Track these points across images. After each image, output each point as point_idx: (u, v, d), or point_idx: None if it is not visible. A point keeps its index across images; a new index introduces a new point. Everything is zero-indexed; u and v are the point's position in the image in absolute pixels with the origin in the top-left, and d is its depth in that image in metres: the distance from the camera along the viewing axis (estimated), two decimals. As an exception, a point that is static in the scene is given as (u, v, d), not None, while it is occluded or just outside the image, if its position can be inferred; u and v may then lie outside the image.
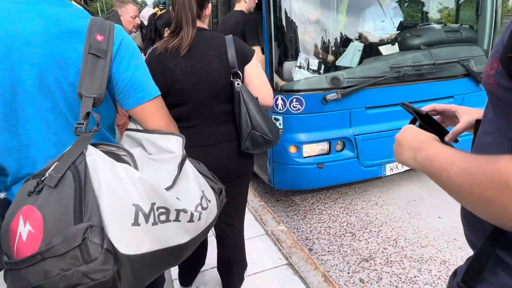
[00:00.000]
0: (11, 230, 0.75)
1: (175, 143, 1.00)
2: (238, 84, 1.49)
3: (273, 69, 2.83)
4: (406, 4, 3.97)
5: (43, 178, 0.76)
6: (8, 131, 0.91)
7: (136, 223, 0.80)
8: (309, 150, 2.91)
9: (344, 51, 3.10)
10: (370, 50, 3.23)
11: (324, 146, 2.95)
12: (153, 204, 0.83)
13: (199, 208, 0.97)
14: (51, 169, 0.78)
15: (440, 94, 3.22)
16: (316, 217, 3.08)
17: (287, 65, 2.81)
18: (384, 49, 3.33)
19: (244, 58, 1.56)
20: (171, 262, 0.93)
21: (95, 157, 0.81)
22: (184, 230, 0.91)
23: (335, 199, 3.37)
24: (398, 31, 3.50)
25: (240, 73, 1.51)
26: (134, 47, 1.02)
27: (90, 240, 0.73)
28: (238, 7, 3.19)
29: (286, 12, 2.76)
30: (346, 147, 2.99)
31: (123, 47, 0.98)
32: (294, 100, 2.76)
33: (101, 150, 0.86)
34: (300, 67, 2.80)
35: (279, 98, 2.81)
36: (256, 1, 3.26)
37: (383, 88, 2.96)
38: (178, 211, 0.88)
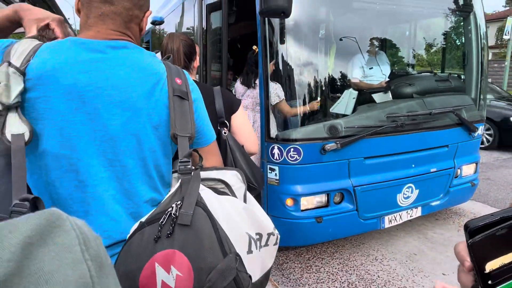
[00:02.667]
0: (142, 285, 0.74)
1: (231, 177, 1.01)
2: (225, 133, 1.55)
3: (269, 117, 2.69)
4: (395, 53, 4.04)
5: (174, 219, 0.77)
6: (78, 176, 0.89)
7: (250, 250, 0.85)
8: (307, 202, 2.72)
9: (340, 98, 3.03)
10: (364, 98, 3.18)
11: (322, 199, 2.77)
12: (256, 230, 0.90)
13: (275, 231, 0.99)
14: (179, 208, 0.79)
15: (436, 144, 3.17)
16: (314, 276, 2.82)
17: (284, 113, 2.68)
18: (378, 97, 3.30)
19: (231, 108, 1.63)
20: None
21: (207, 192, 0.86)
22: (270, 254, 0.96)
23: (331, 254, 3.14)
24: (390, 79, 3.51)
25: (227, 123, 1.59)
26: (197, 89, 1.07)
27: (239, 270, 0.77)
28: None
29: (283, 60, 2.68)
30: (345, 199, 2.82)
31: (195, 90, 1.04)
32: (292, 149, 2.60)
33: (202, 185, 0.89)
34: (297, 115, 2.67)
35: (276, 147, 2.65)
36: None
37: (381, 138, 2.86)
38: (268, 235, 0.93)
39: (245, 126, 1.69)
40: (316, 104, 2.79)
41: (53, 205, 0.89)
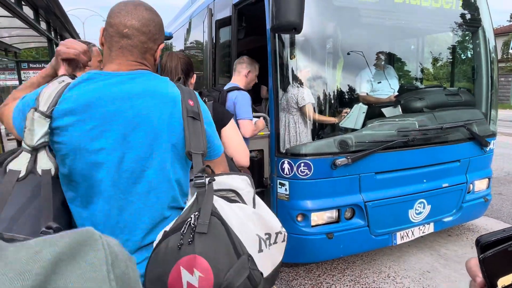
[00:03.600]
0: (171, 286, 0.86)
1: (241, 182, 1.11)
2: None
3: (278, 131, 2.68)
4: (403, 67, 4.04)
5: (193, 228, 0.89)
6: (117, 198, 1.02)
7: (260, 249, 0.98)
8: (317, 218, 2.68)
9: (349, 113, 3.02)
10: (374, 112, 3.17)
11: (333, 214, 2.73)
12: (265, 231, 1.02)
13: (283, 229, 1.11)
14: (196, 219, 0.90)
15: (447, 158, 3.13)
16: (325, 293, 2.76)
17: (295, 126, 2.67)
18: (388, 112, 3.28)
19: (221, 121, 1.71)
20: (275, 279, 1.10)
21: (220, 202, 0.97)
22: (279, 250, 1.09)
23: (342, 270, 3.07)
24: (399, 94, 3.50)
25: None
26: (207, 109, 1.19)
27: (251, 268, 0.91)
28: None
29: (293, 74, 2.68)
30: (356, 215, 2.78)
31: (205, 109, 1.16)
32: (302, 164, 2.58)
33: (215, 195, 1.00)
34: (308, 128, 2.66)
35: (286, 162, 2.63)
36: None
37: (392, 153, 2.83)
38: (276, 234, 1.06)
39: (233, 138, 1.77)
40: (333, 119, 2.80)
41: (88, 215, 1.03)
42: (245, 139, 2.37)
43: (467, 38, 3.71)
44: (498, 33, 22.52)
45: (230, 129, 1.76)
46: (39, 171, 0.98)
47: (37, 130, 0.96)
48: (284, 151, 2.66)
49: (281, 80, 2.69)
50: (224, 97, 2.54)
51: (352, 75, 3.35)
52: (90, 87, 1.01)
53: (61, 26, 6.02)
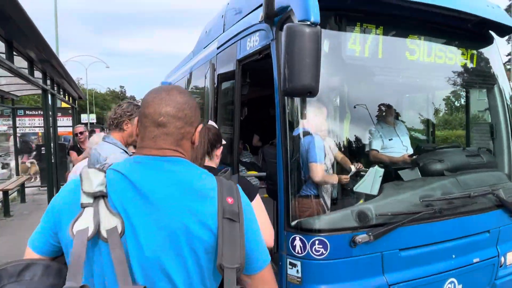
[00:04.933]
0: None
1: None
2: None
3: (289, 200, 2.36)
4: (415, 123, 3.84)
5: None
6: None
7: None
8: (336, 307, 2.27)
9: (364, 176, 2.73)
10: (390, 174, 2.89)
11: (353, 302, 2.32)
12: None
13: None
14: None
15: (477, 230, 2.78)
16: None
17: (308, 196, 2.36)
18: (406, 175, 3.01)
19: (248, 197, 1.58)
20: None
21: None
22: None
23: None
24: (415, 154, 3.25)
25: None
26: (251, 206, 1.08)
27: None
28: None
29: (305, 130, 2.42)
30: (380, 301, 2.38)
31: (248, 209, 1.03)
32: (317, 242, 2.23)
33: None
34: (324, 199, 2.35)
35: (297, 238, 2.28)
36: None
37: (417, 226, 2.48)
38: None
39: (259, 216, 1.57)
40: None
41: None
42: None
43: (482, 95, 3.54)
44: None
45: (255, 205, 1.58)
46: (104, 233, 0.91)
47: (94, 176, 0.97)
48: (295, 225, 2.32)
49: (291, 140, 2.43)
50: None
51: (365, 132, 3.15)
52: (124, 171, 1.00)
53: (58, 76, 5.90)
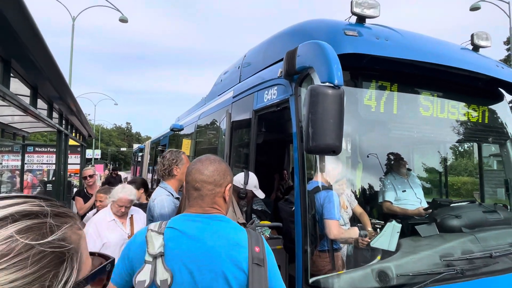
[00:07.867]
0: None
1: None
2: None
3: (307, 256, 2.30)
4: (428, 176, 3.82)
5: None
6: None
7: None
8: None
9: (381, 232, 2.68)
10: (406, 227, 2.83)
11: None
12: None
13: None
14: None
15: (499, 291, 2.68)
16: None
17: (325, 252, 2.30)
18: (423, 230, 2.94)
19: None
20: None
21: None
22: None
23: None
24: (431, 209, 3.20)
25: None
26: (273, 254, 1.33)
27: None
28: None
29: (323, 185, 2.41)
30: None
31: (270, 256, 1.29)
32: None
33: None
34: (342, 255, 2.29)
35: (316, 299, 2.19)
36: None
37: (438, 287, 2.40)
38: None
39: None
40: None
41: None
42: None
43: (495, 150, 3.56)
44: None
45: None
46: (158, 282, 1.22)
47: (155, 239, 1.29)
48: (313, 283, 2.25)
49: (310, 195, 2.42)
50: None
51: (379, 183, 3.13)
52: (178, 227, 1.34)
53: (73, 115, 6.03)
